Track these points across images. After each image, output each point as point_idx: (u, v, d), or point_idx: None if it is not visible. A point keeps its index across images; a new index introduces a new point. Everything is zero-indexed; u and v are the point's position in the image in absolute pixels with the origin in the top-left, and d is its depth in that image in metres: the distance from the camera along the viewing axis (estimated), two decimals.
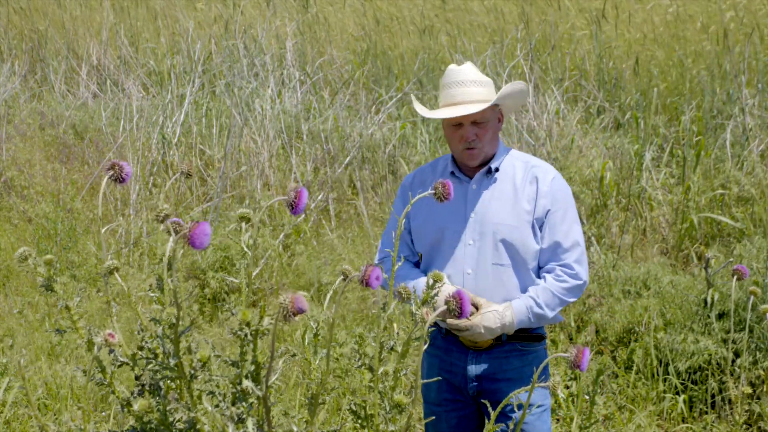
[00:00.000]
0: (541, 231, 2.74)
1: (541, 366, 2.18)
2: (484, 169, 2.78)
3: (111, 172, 1.94)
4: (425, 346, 2.88)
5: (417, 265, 2.90)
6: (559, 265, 2.72)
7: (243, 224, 1.97)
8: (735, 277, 3.31)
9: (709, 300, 4.29)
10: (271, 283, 5.43)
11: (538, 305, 2.68)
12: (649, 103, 7.37)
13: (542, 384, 2.09)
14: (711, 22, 8.89)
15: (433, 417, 2.87)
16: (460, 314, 1.96)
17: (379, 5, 10.61)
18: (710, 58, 7.98)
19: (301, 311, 1.63)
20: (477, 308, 2.63)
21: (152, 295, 1.93)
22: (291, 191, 1.86)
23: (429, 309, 2.01)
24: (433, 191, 2.24)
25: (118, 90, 8.63)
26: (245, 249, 1.92)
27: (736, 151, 6.24)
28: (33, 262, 1.91)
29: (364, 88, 8.09)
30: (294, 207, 1.86)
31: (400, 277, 2.84)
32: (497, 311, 2.63)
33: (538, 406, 2.81)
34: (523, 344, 2.77)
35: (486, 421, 2.44)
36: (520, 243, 2.71)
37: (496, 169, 2.78)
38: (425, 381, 2.91)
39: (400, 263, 2.87)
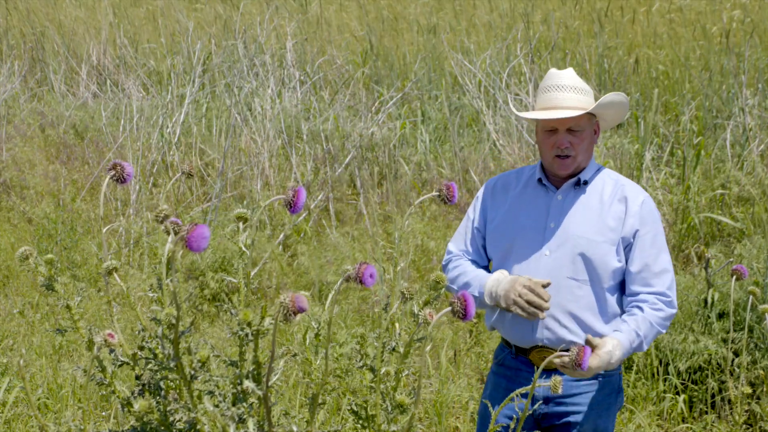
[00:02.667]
0: (626, 251, 2.62)
1: (542, 364, 2.15)
2: (573, 180, 2.67)
3: (113, 173, 1.93)
4: (495, 366, 2.83)
5: (486, 269, 2.77)
6: (655, 293, 2.59)
7: (240, 224, 1.97)
8: (734, 277, 3.30)
9: (709, 300, 4.29)
10: (270, 283, 5.43)
11: (640, 339, 2.55)
12: (649, 103, 7.37)
13: (543, 383, 2.08)
14: (712, 22, 8.90)
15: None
16: (464, 316, 1.95)
17: (380, 5, 10.61)
18: (711, 58, 7.98)
19: (301, 310, 1.63)
20: (593, 348, 2.47)
21: (152, 295, 1.93)
22: (289, 190, 1.86)
23: (431, 310, 2.00)
24: (438, 193, 2.22)
25: (118, 90, 8.63)
26: (243, 249, 1.92)
27: (736, 151, 6.25)
28: (34, 262, 1.90)
29: (364, 88, 8.10)
30: (292, 206, 1.86)
31: (458, 269, 2.74)
32: (609, 352, 2.47)
33: None
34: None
35: None
36: (599, 259, 2.59)
37: (585, 182, 2.67)
38: (483, 395, 2.84)
39: (459, 260, 2.76)
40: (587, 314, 2.61)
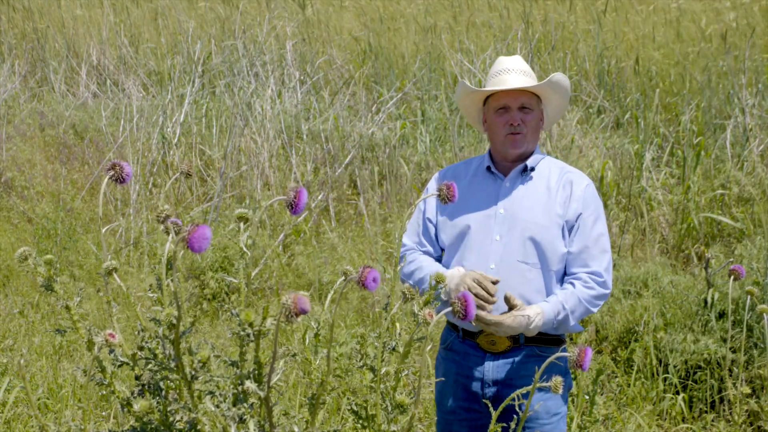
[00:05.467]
0: (570, 234, 2.71)
1: (544, 365, 2.16)
2: (520, 167, 2.76)
3: (111, 173, 1.93)
4: (443, 351, 2.87)
5: (438, 260, 2.84)
6: (589, 273, 2.68)
7: (241, 224, 1.97)
8: (732, 277, 3.31)
9: (708, 300, 4.29)
10: (271, 283, 5.43)
11: (566, 310, 2.63)
12: (649, 103, 7.37)
13: (543, 384, 2.08)
14: (711, 22, 8.90)
15: (444, 425, 2.82)
16: (465, 316, 1.96)
17: (379, 5, 10.61)
18: (710, 58, 7.98)
19: (303, 312, 1.63)
20: (512, 308, 2.57)
21: (152, 295, 1.93)
22: (290, 191, 1.85)
23: (431, 310, 2.00)
24: (438, 193, 2.22)
25: (118, 90, 8.63)
26: (244, 249, 1.91)
27: (736, 151, 6.25)
28: (33, 262, 1.90)
29: (364, 88, 8.09)
30: (294, 207, 1.86)
31: (414, 263, 2.79)
32: (528, 316, 2.57)
33: (555, 414, 2.76)
34: (542, 348, 2.71)
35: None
36: (548, 243, 2.68)
37: (532, 169, 2.76)
38: (436, 380, 2.87)
39: (414, 253, 2.83)
40: (537, 297, 2.68)
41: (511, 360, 2.72)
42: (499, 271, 2.68)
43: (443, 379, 2.85)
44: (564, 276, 2.75)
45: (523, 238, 2.69)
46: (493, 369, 2.73)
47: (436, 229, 2.85)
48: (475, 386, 2.75)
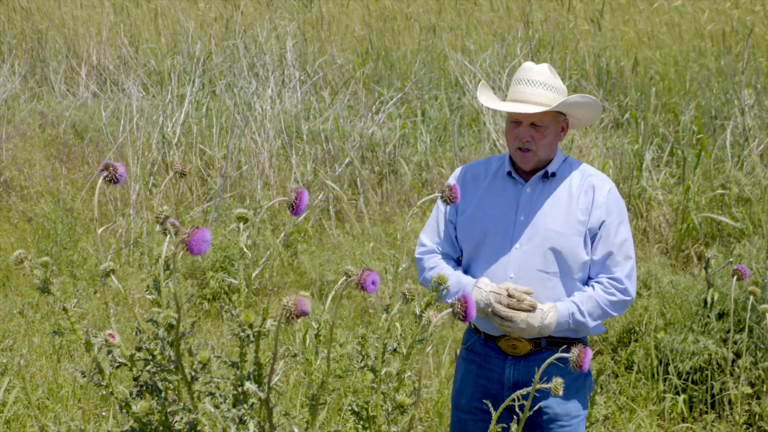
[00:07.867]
0: (593, 242, 2.67)
1: (543, 366, 2.15)
2: (541, 173, 2.71)
3: (105, 173, 1.95)
4: (464, 351, 2.86)
5: (458, 261, 2.82)
6: (609, 278, 2.65)
7: (241, 225, 1.96)
8: (735, 277, 3.30)
9: (709, 300, 4.29)
10: (273, 282, 5.43)
11: (581, 313, 2.61)
12: (648, 103, 7.37)
13: (544, 385, 2.07)
14: (711, 22, 8.89)
15: (458, 424, 2.82)
16: (465, 317, 1.95)
17: (381, 4, 10.61)
18: (710, 58, 7.98)
19: (304, 313, 1.62)
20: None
21: (149, 296, 1.93)
22: (292, 192, 1.85)
23: (434, 311, 2.00)
24: (440, 194, 2.21)
25: (118, 90, 8.63)
26: (244, 249, 1.91)
27: (735, 151, 6.24)
28: (29, 265, 1.90)
29: (364, 88, 8.09)
30: (294, 208, 1.85)
31: (435, 270, 2.75)
32: (541, 310, 2.58)
33: (575, 416, 2.75)
34: (563, 351, 2.71)
35: None
36: (569, 252, 2.64)
37: (553, 174, 2.71)
38: (455, 379, 2.88)
39: (434, 257, 2.80)
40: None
41: (531, 363, 2.69)
42: (518, 279, 2.65)
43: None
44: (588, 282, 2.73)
45: (543, 248, 2.65)
46: (513, 372, 2.71)
47: (456, 231, 2.81)
48: (495, 388, 2.74)
